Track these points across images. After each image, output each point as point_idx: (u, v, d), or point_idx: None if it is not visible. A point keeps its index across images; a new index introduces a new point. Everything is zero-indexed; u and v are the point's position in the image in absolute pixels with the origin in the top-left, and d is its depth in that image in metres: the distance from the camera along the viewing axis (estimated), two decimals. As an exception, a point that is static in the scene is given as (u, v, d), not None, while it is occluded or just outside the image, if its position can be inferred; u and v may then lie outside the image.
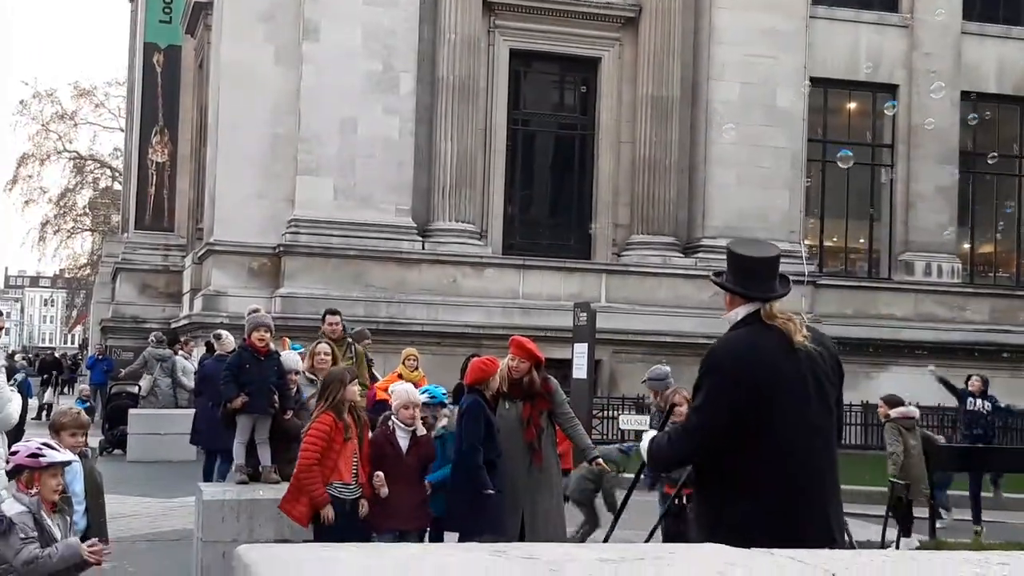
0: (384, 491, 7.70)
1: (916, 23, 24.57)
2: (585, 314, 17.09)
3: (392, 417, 8.11)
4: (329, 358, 10.30)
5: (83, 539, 5.97)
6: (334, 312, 12.62)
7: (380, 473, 7.73)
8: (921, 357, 23.21)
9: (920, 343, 23.39)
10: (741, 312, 4.70)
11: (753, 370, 4.49)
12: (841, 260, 25.63)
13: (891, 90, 24.71)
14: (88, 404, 21.81)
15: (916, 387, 21.91)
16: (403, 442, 7.96)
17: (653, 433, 5.10)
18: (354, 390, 7.80)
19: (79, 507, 6.53)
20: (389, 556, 2.82)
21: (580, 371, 16.89)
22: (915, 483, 11.74)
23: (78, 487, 6.67)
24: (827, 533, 4.45)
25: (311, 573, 2.53)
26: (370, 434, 8.06)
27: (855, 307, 23.89)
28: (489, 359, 8.58)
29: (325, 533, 7.44)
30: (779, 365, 4.53)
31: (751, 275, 4.69)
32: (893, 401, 12.65)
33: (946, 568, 2.89)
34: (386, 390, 10.84)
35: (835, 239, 25.64)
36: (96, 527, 6.76)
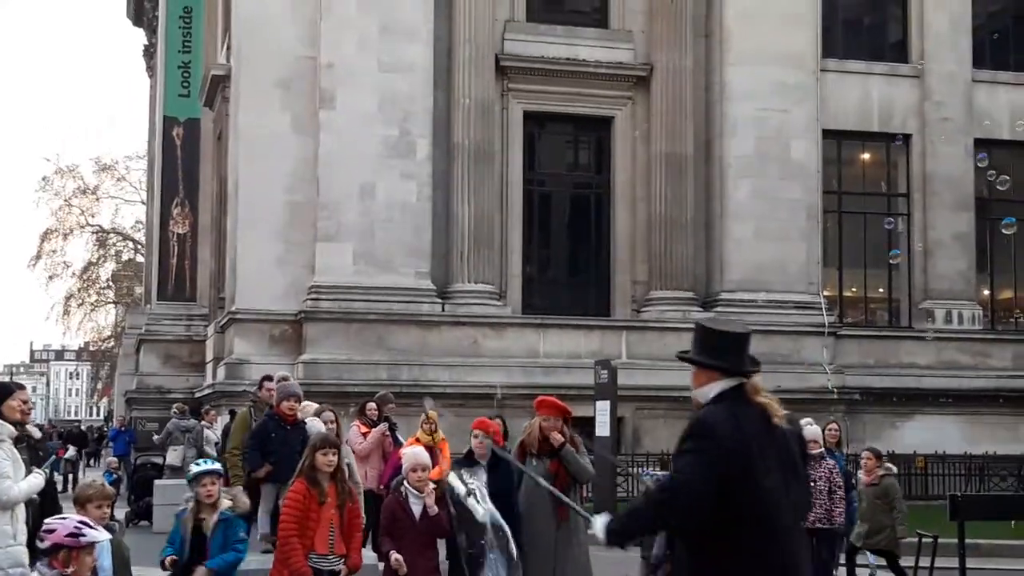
0: (403, 571, 7.60)
1: (927, 72, 24.70)
2: (606, 371, 17.12)
3: (404, 483, 8.04)
4: (335, 425, 10.20)
5: None
6: (270, 378, 12.53)
7: (399, 556, 7.66)
8: (945, 405, 23.13)
9: (944, 391, 23.26)
10: (716, 388, 4.63)
11: (742, 445, 4.43)
12: (861, 310, 25.59)
13: (904, 140, 24.80)
14: (115, 476, 21.87)
15: (941, 436, 21.86)
16: (415, 508, 7.83)
17: (606, 517, 4.76)
18: (329, 459, 7.60)
19: None
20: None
21: (603, 429, 16.88)
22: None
23: (106, 562, 6.65)
24: None
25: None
26: (360, 503, 7.98)
27: (877, 357, 23.80)
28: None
29: None
30: (763, 442, 4.49)
31: (729, 350, 4.64)
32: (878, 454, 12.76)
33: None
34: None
35: (854, 289, 25.59)
36: None
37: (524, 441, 8.61)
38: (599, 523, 4.69)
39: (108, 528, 6.78)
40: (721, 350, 4.64)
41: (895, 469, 13.02)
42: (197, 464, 7.98)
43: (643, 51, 23.70)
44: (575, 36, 23.61)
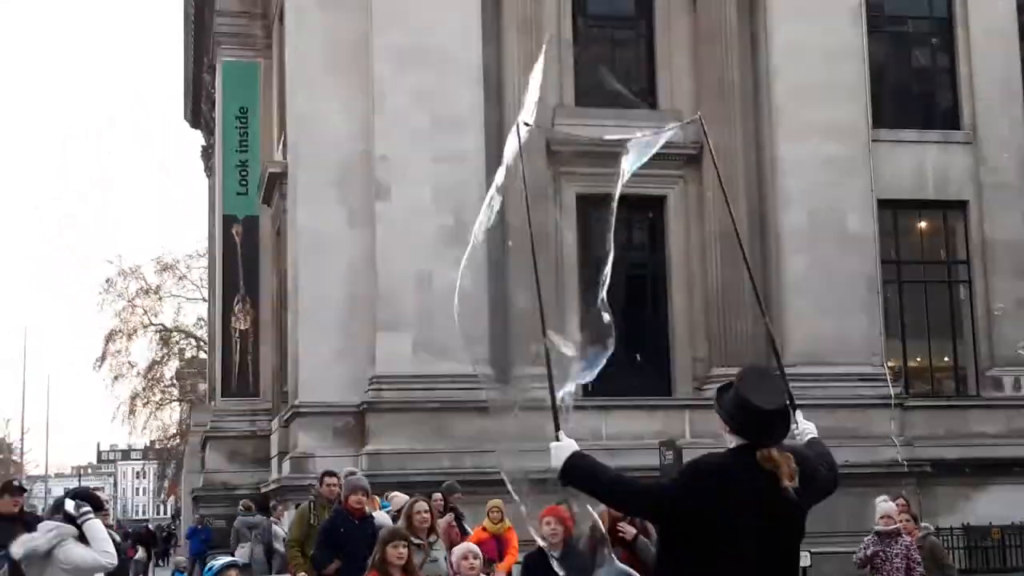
0: None
1: (980, 138, 24.60)
2: (671, 452, 17.00)
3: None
4: (429, 516, 10.09)
5: None
6: (332, 473, 12.53)
7: None
8: (1019, 475, 22.62)
9: (1017, 460, 22.75)
10: (733, 442, 4.71)
11: (714, 498, 4.51)
12: (927, 380, 25.23)
13: (961, 207, 24.64)
14: (185, 574, 21.91)
15: (1016, 506, 21.35)
16: None
17: (574, 447, 4.86)
18: (399, 552, 7.66)
19: None
20: None
21: (670, 510, 16.70)
22: None
23: None
24: None
25: None
26: None
27: (946, 427, 23.39)
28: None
29: None
30: (747, 507, 4.51)
31: (753, 423, 4.65)
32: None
33: None
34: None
35: (919, 359, 25.28)
36: None
37: None
38: (566, 447, 4.87)
39: None
40: (746, 419, 4.67)
41: (933, 528, 12.88)
42: (215, 559, 7.96)
43: (693, 130, 23.70)
44: (625, 119, 23.54)
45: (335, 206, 22.18)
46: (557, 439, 4.93)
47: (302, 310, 22.27)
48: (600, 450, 21.18)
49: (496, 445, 5.46)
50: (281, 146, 27.32)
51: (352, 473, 11.73)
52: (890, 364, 23.43)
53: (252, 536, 19.46)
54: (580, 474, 4.83)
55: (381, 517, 10.38)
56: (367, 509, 9.86)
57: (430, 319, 21.63)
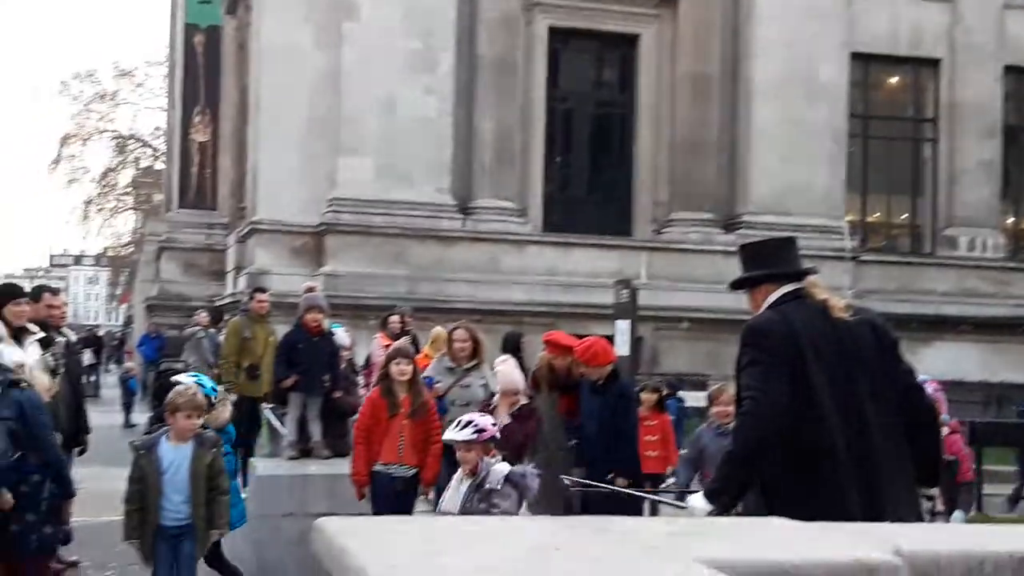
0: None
1: (957, -3, 24.27)
2: (626, 291, 17.13)
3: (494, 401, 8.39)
4: (468, 344, 9.58)
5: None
6: (263, 289, 12.74)
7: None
8: (965, 333, 23.09)
9: (964, 318, 23.19)
10: (772, 298, 4.68)
11: (788, 341, 4.46)
12: (884, 235, 25.47)
13: (933, 65, 24.47)
14: (135, 380, 22.10)
15: (960, 362, 21.86)
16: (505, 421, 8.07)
17: (698, 500, 4.59)
18: (401, 369, 7.85)
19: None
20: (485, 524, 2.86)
21: (622, 348, 16.92)
22: None
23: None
24: (877, 507, 4.29)
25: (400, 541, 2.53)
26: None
27: (898, 283, 23.69)
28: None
29: (376, 511, 7.58)
30: (816, 337, 4.50)
31: (773, 256, 4.73)
32: None
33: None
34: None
35: (877, 214, 25.47)
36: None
37: (536, 375, 8.80)
38: (698, 501, 4.58)
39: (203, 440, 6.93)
40: (766, 258, 4.75)
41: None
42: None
43: (671, -30, 23.33)
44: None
45: (301, 23, 21.65)
46: (690, 508, 4.66)
47: (263, 127, 21.95)
48: (556, 286, 21.42)
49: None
50: (249, -44, 26.49)
51: (311, 290, 11.77)
52: (849, 218, 23.59)
53: (187, 347, 19.77)
54: (721, 490, 4.53)
55: (341, 336, 10.44)
56: (325, 326, 9.89)
57: (393, 145, 21.43)
